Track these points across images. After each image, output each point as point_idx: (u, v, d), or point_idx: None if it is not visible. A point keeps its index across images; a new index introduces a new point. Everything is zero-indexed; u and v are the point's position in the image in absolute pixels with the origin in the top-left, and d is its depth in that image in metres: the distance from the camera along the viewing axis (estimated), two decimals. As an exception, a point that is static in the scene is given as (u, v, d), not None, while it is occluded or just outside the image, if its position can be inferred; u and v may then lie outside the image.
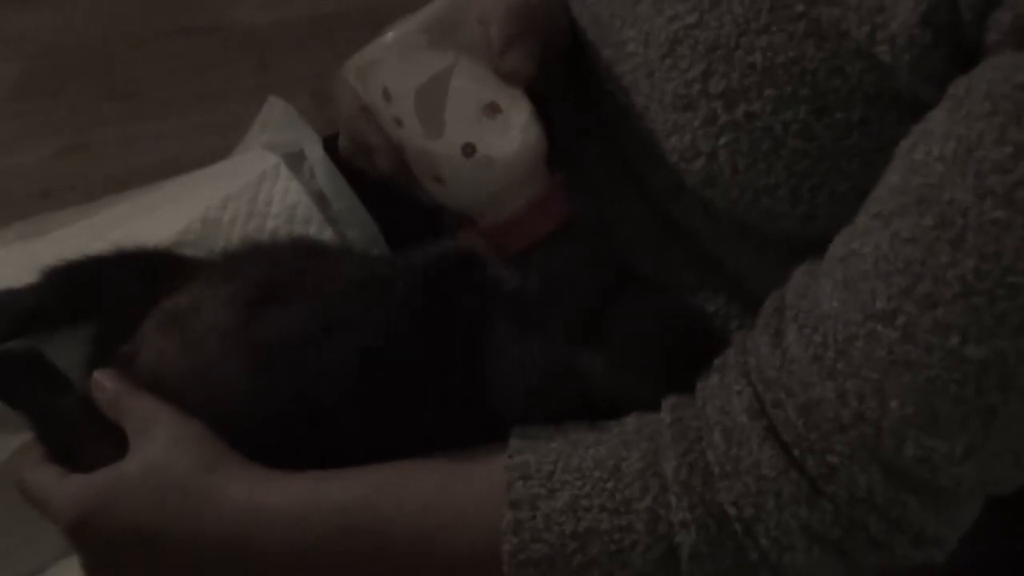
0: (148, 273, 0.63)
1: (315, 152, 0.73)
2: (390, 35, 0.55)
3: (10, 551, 0.63)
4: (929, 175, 0.43)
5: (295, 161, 0.72)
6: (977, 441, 0.44)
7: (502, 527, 0.50)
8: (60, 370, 0.61)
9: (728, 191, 0.52)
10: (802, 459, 0.47)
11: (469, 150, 0.53)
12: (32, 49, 1.63)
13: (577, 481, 0.51)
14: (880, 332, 0.44)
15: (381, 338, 0.55)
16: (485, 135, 0.53)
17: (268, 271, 0.61)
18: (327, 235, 0.69)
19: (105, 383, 0.59)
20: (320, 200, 0.70)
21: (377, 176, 0.58)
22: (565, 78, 0.63)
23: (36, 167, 1.50)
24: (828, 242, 0.49)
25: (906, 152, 0.45)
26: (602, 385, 0.55)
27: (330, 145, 0.73)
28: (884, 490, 0.46)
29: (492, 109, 0.53)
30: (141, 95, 1.59)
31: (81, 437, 0.59)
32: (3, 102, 1.58)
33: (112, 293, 0.62)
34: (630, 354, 0.55)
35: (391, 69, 0.54)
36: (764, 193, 0.51)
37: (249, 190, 0.70)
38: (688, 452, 0.50)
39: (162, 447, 0.55)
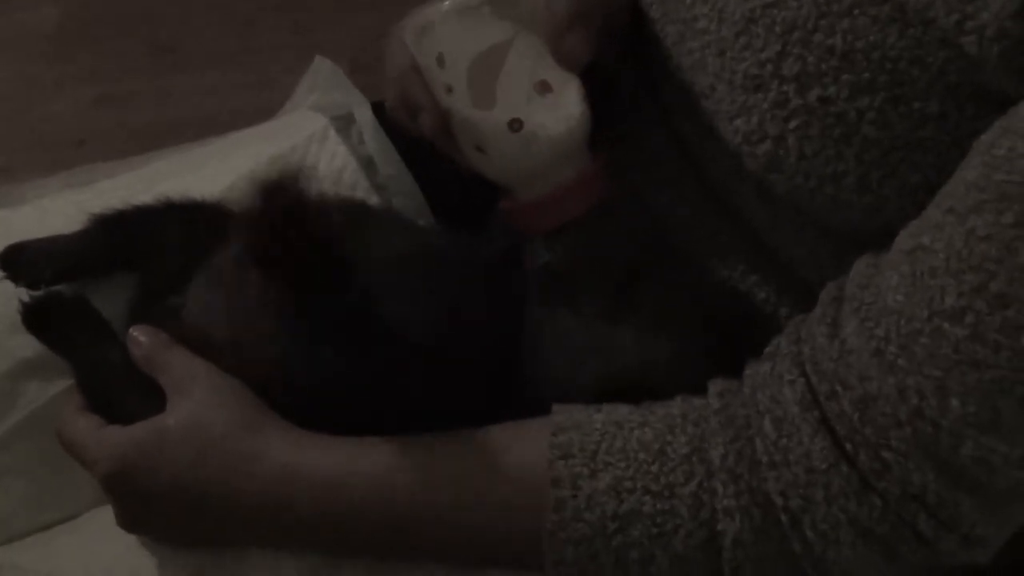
0: (195, 225, 0.63)
1: (364, 115, 0.72)
2: (452, 1, 0.54)
3: (43, 497, 0.63)
4: (1012, 172, 0.42)
5: (343, 124, 0.72)
6: None
7: (543, 504, 0.50)
8: (105, 319, 0.61)
9: (792, 177, 0.51)
10: (854, 453, 0.47)
11: (516, 125, 0.53)
12: (74, -4, 1.62)
13: (621, 463, 0.50)
14: (947, 330, 0.43)
15: (426, 312, 0.55)
16: (533, 112, 0.54)
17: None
18: (373, 201, 0.69)
19: (140, 338, 0.59)
20: (367, 165, 0.70)
21: (419, 135, 0.58)
22: (623, 55, 0.62)
23: (72, 115, 1.50)
24: (888, 235, 0.48)
25: (987, 147, 0.44)
26: (633, 358, 0.54)
27: (377, 111, 0.73)
28: (937, 488, 0.46)
29: (543, 86, 0.54)
30: (179, 49, 1.58)
31: (121, 388, 0.59)
32: (42, 47, 1.57)
33: (158, 243, 0.62)
34: (660, 326, 0.55)
35: (449, 35, 0.54)
36: (830, 181, 0.50)
37: (296, 151, 0.70)
38: (736, 439, 0.50)
39: (201, 404, 0.55)
